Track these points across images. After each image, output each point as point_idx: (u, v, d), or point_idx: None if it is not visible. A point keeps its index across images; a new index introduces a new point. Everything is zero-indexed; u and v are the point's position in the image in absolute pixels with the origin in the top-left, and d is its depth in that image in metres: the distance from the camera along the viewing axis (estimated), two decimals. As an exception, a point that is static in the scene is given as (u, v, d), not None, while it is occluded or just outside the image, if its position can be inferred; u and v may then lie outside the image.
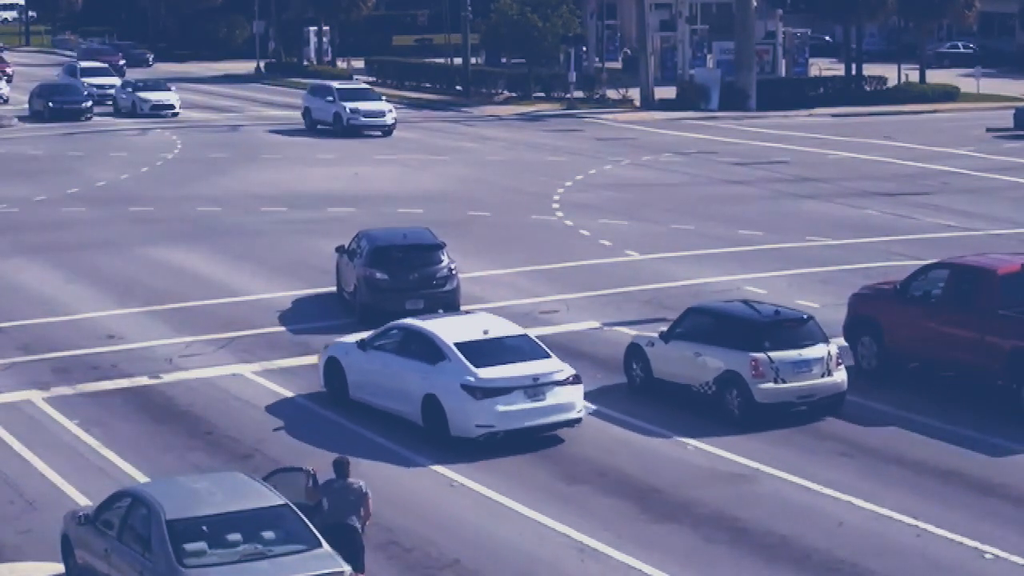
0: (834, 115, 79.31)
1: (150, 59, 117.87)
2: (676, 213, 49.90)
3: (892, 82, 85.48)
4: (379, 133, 71.72)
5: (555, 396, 26.75)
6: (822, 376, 27.99)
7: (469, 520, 23.57)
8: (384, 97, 76.11)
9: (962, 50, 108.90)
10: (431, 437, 26.85)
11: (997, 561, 21.86)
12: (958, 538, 22.60)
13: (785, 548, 22.39)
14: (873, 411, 28.72)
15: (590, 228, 46.99)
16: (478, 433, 26.42)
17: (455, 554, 22.24)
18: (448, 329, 27.88)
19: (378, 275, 35.25)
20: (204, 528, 19.19)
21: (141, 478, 24.86)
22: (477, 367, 26.65)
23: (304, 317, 36.18)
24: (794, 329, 28.42)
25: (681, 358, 28.82)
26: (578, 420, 27.17)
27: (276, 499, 19.88)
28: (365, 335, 29.27)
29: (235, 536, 19.17)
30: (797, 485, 24.91)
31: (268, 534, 19.31)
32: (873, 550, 22.18)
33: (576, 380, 27.19)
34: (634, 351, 30.00)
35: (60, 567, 21.37)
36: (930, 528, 22.99)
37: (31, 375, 31.67)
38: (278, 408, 29.16)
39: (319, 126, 73.12)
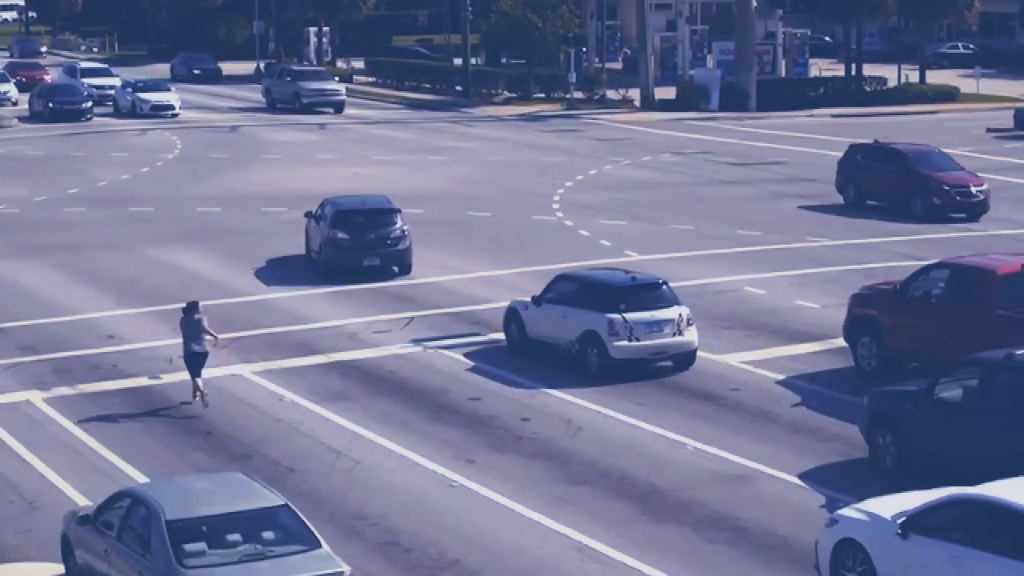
0: (834, 116, 79.28)
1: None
2: (676, 213, 49.91)
3: (892, 83, 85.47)
4: None
5: None
6: (673, 335, 31.02)
7: (469, 520, 23.57)
8: None
9: (962, 50, 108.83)
10: None
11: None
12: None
13: (785, 548, 22.39)
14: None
15: (590, 228, 46.99)
16: None
17: (455, 554, 22.24)
18: None
19: (339, 235, 39.50)
20: (204, 528, 19.21)
21: (141, 478, 24.87)
22: None
23: (304, 317, 36.20)
24: (648, 293, 31.47)
25: (550, 320, 32.04)
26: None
27: (276, 499, 19.89)
28: None
29: (235, 536, 19.19)
30: (797, 485, 24.92)
31: (268, 534, 19.33)
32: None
33: None
34: (511, 314, 33.16)
35: (60, 567, 21.38)
36: (930, 528, 22.98)
37: (31, 375, 31.69)
38: (278, 408, 29.17)
39: None
